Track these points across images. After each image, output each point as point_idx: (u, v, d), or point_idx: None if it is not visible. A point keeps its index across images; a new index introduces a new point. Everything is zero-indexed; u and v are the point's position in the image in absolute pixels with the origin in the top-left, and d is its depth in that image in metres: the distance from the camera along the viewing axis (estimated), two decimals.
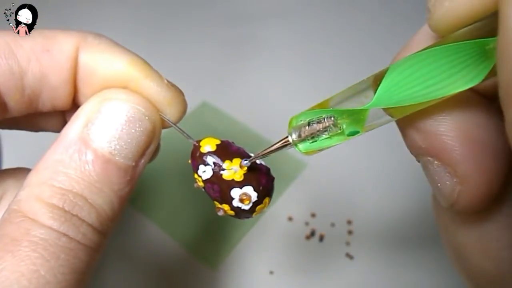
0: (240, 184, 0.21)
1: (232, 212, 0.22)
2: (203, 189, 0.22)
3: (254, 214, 0.22)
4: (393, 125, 0.20)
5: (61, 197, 0.19)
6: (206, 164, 0.22)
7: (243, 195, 0.21)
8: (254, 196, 0.21)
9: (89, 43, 0.22)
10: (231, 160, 0.21)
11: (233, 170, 0.21)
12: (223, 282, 0.42)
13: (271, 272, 0.42)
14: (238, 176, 0.21)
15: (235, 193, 0.21)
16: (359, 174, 0.49)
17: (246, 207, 0.22)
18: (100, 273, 0.42)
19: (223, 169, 0.21)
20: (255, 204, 0.22)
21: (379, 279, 0.42)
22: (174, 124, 0.22)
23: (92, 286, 0.41)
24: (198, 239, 0.44)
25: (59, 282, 0.17)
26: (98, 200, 0.19)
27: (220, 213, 0.22)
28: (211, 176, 0.21)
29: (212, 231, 0.44)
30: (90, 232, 0.19)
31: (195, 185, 0.22)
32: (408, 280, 0.41)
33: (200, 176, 0.22)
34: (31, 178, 0.19)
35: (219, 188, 0.22)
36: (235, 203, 0.22)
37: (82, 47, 0.22)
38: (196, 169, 0.22)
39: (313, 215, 0.45)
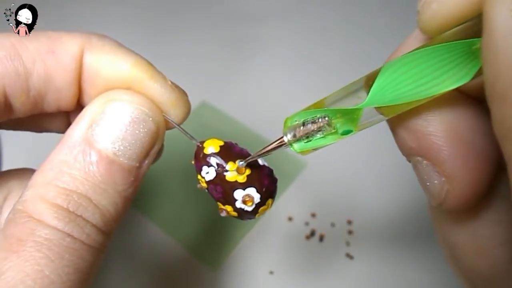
0: (243, 186, 0.21)
1: (235, 213, 0.22)
2: (206, 190, 0.22)
3: (257, 216, 0.22)
4: None
5: (66, 197, 0.19)
6: (209, 165, 0.22)
7: (246, 197, 0.21)
8: (257, 197, 0.22)
9: (93, 44, 0.22)
10: (234, 161, 0.22)
11: (236, 171, 0.21)
12: (224, 282, 0.42)
13: (271, 272, 0.42)
14: (241, 178, 0.21)
15: (238, 194, 0.21)
16: (359, 174, 0.49)
17: (249, 208, 0.22)
18: (102, 273, 0.42)
19: (226, 171, 0.21)
20: (258, 205, 0.22)
21: (379, 279, 0.42)
22: (178, 125, 0.22)
23: (93, 286, 0.41)
24: (199, 240, 0.44)
25: (64, 282, 0.18)
26: (102, 200, 0.20)
27: (223, 214, 0.22)
28: (214, 177, 0.22)
29: (213, 231, 0.44)
30: (95, 232, 0.19)
31: (198, 186, 0.23)
32: (408, 280, 0.41)
33: (203, 177, 0.22)
34: (36, 178, 0.20)
35: (222, 189, 0.22)
36: (238, 204, 0.22)
37: (86, 48, 0.22)
38: (199, 170, 0.22)
39: (313, 215, 0.45)
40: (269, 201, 0.22)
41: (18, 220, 0.18)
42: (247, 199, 0.21)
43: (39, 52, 0.21)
